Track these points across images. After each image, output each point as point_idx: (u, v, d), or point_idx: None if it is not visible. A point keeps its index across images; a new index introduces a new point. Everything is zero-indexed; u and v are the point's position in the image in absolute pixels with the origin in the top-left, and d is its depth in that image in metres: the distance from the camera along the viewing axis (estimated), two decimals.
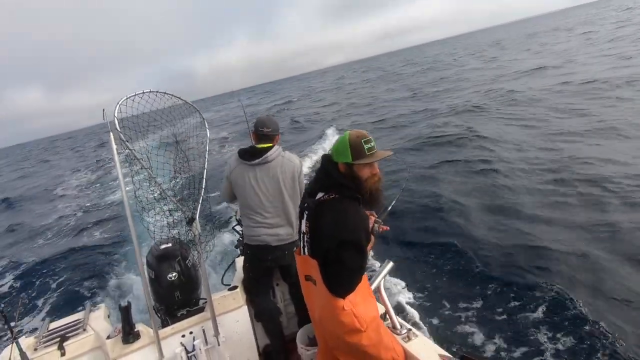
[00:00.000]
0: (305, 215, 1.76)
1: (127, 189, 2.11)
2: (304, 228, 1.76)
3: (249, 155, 2.45)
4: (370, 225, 1.85)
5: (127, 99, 2.01)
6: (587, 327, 3.41)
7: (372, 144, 1.68)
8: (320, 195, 1.70)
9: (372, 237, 1.85)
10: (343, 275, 1.62)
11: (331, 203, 1.67)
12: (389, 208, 2.22)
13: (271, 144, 2.48)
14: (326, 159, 1.75)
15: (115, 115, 1.94)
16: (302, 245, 1.79)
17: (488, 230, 5.38)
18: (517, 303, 3.94)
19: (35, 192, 18.79)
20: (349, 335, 1.64)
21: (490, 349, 3.44)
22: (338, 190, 1.67)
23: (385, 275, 2.04)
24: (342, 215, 1.62)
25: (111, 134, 1.98)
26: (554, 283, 4.02)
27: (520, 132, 9.66)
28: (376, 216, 1.96)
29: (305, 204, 1.77)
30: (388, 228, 1.96)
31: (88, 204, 14.42)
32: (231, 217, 3.27)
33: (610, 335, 3.28)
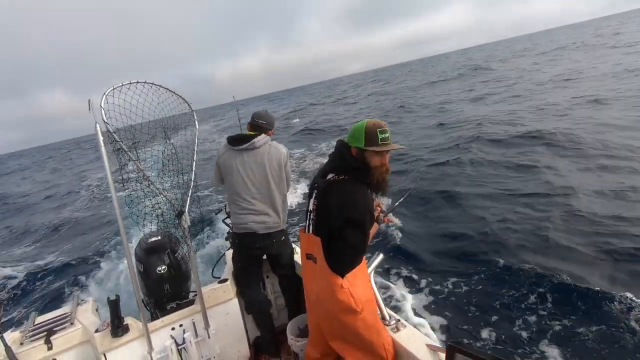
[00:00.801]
0: (314, 194, 1.80)
1: (115, 181, 2.08)
2: (311, 206, 1.81)
3: (237, 141, 2.48)
4: (376, 214, 1.92)
5: (113, 89, 1.96)
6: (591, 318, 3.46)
7: (387, 135, 1.71)
8: (331, 176, 1.76)
9: (376, 224, 1.90)
10: (345, 253, 1.68)
11: (341, 184, 1.72)
12: (397, 204, 2.33)
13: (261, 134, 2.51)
14: (341, 143, 1.80)
15: (102, 106, 1.89)
16: (307, 223, 1.84)
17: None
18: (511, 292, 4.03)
19: (51, 192, 18.55)
20: (344, 313, 1.69)
21: (479, 338, 3.53)
22: (349, 173, 1.73)
23: (375, 267, 2.06)
24: (350, 196, 1.68)
25: (97, 125, 1.94)
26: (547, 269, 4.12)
27: None
28: (382, 206, 2.02)
29: (315, 184, 1.82)
30: (394, 221, 2.01)
31: (87, 199, 14.26)
32: (221, 210, 3.24)
33: None
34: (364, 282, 1.78)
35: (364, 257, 1.81)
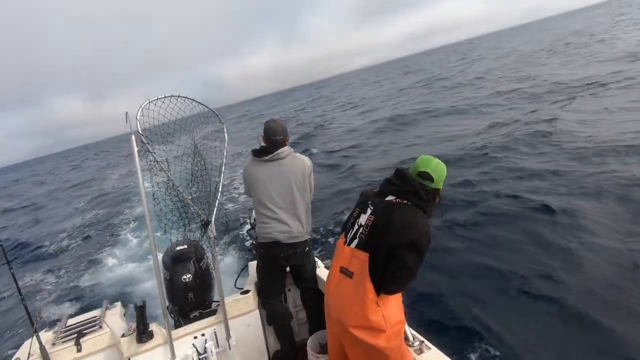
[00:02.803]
0: (369, 210, 1.79)
1: (147, 191, 2.16)
2: (364, 221, 1.78)
3: (262, 152, 2.53)
4: None
5: (149, 102, 2.07)
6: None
7: None
8: (391, 197, 1.77)
9: None
10: (399, 275, 1.67)
11: (406, 207, 1.73)
12: None
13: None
14: (411, 177, 1.77)
15: (138, 118, 1.99)
16: (350, 237, 1.81)
17: None
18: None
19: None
20: (370, 333, 1.68)
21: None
22: (412, 200, 1.74)
23: None
24: (416, 220, 1.69)
25: (133, 136, 2.04)
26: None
27: None
28: None
29: (370, 201, 1.81)
30: None
31: (113, 205, 14.86)
32: (246, 222, 3.29)
33: None
34: (396, 303, 1.77)
35: None
